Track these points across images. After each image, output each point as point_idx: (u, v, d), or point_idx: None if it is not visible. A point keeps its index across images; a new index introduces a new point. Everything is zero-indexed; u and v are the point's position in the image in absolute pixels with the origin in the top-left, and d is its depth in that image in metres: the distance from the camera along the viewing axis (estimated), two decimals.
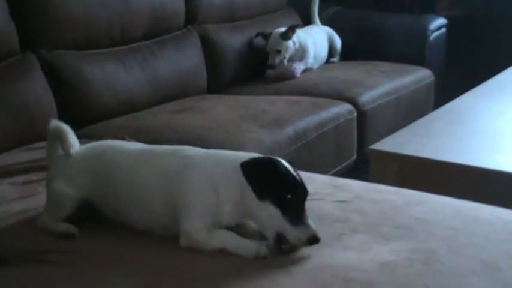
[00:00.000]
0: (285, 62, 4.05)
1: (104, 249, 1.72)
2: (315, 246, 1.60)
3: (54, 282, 1.59)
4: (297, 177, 1.61)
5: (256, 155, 1.70)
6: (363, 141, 3.59)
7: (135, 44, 3.55)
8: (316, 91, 3.71)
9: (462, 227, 1.78)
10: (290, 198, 1.57)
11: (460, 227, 1.77)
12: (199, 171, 1.68)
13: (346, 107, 3.56)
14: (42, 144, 2.73)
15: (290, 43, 4.07)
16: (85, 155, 1.88)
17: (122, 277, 1.58)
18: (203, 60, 3.90)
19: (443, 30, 4.60)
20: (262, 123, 3.10)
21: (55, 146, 1.92)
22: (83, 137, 2.88)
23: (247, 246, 1.62)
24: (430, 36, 4.43)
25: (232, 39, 4.09)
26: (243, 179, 1.61)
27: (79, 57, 3.23)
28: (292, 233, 1.56)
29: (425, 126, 3.00)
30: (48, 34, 3.13)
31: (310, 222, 1.58)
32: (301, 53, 4.14)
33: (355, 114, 3.58)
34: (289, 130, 3.13)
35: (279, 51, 4.04)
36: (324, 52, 4.40)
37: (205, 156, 1.73)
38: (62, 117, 3.00)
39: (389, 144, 2.74)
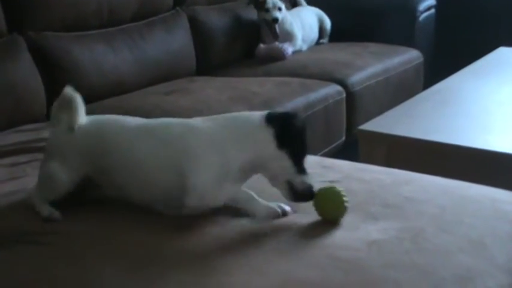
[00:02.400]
0: (278, 30, 4.09)
1: (93, 231, 1.71)
2: (304, 225, 1.64)
3: (44, 264, 1.59)
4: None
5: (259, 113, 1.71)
6: (352, 122, 3.60)
7: (123, 26, 3.54)
8: (305, 72, 3.71)
9: (450, 205, 1.78)
10: (300, 152, 1.66)
11: (448, 206, 1.78)
12: (201, 133, 1.68)
13: (335, 88, 3.56)
14: (30, 126, 2.74)
15: (285, 11, 4.14)
16: (85, 131, 1.83)
17: (110, 259, 1.58)
18: (192, 41, 3.89)
19: (432, 11, 4.60)
20: (252, 104, 3.10)
21: (61, 116, 1.85)
22: None
23: (259, 205, 1.68)
24: (419, 17, 4.43)
25: (221, 21, 4.08)
26: (259, 133, 1.64)
27: (67, 38, 3.22)
28: (300, 180, 1.64)
29: (414, 107, 3.00)
30: (36, 15, 3.12)
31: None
32: (289, 36, 4.14)
33: (344, 95, 3.58)
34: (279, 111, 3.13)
35: (280, 9, 4.07)
36: (313, 34, 4.40)
37: (207, 119, 1.74)
38: (50, 99, 3.02)
39: (378, 124, 2.74)
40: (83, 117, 1.85)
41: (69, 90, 1.86)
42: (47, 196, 1.81)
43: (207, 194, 1.65)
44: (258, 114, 1.68)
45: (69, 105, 1.84)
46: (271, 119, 1.64)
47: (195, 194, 1.64)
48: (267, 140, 1.63)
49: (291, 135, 1.65)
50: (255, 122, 1.66)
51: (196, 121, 1.74)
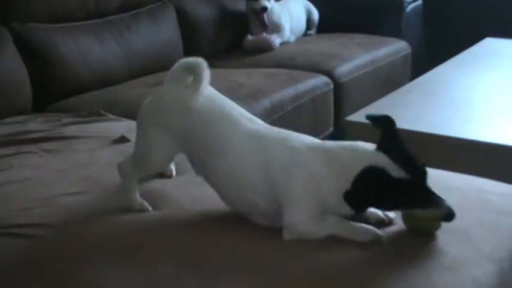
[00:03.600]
0: (267, 20, 4.10)
1: (78, 222, 1.71)
2: None
3: (27, 257, 1.59)
4: (405, 176, 1.48)
5: (360, 146, 1.63)
6: (339, 113, 3.60)
7: (109, 17, 3.52)
8: (293, 64, 3.71)
9: None
10: (408, 198, 1.48)
11: None
12: (306, 167, 1.57)
13: (323, 79, 3.56)
14: (16, 118, 2.72)
15: (273, 1, 4.16)
16: (201, 114, 1.74)
17: (94, 251, 1.58)
18: (179, 33, 3.87)
19: (420, 1, 4.61)
20: (239, 95, 3.08)
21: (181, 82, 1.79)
22: (58, 111, 2.88)
23: (361, 231, 1.56)
24: (406, 7, 4.44)
25: (208, 12, 4.07)
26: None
27: (53, 30, 3.20)
28: (425, 216, 1.51)
29: (401, 98, 3.00)
30: (21, 7, 3.10)
31: (438, 196, 1.50)
32: (277, 27, 4.14)
33: (331, 86, 3.58)
34: (266, 102, 3.13)
35: None
36: (301, 25, 4.40)
37: (312, 151, 1.60)
38: (36, 91, 3.01)
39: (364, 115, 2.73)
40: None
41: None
42: (143, 170, 1.81)
43: (302, 232, 1.57)
44: (366, 161, 1.52)
45: (197, 72, 1.75)
46: (370, 174, 1.47)
47: (290, 230, 1.58)
48: None
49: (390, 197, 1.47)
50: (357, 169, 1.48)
51: (303, 150, 1.60)
